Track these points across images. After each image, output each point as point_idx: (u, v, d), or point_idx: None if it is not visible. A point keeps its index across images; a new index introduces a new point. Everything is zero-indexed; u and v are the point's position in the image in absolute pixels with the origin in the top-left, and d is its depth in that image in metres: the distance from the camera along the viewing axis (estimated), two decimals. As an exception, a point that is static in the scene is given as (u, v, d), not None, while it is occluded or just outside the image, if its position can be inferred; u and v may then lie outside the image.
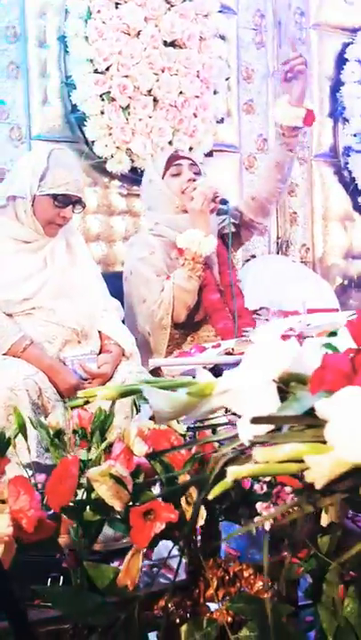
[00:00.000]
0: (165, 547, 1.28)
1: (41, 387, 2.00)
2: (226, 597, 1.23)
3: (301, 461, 0.53)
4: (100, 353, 2.25)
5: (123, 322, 2.43)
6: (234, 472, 0.54)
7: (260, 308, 3.02)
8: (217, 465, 0.62)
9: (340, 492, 0.54)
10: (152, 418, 0.74)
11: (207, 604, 1.24)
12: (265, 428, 0.58)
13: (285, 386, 0.61)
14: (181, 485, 0.82)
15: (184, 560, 1.29)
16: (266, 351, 0.62)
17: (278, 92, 3.70)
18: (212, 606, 1.27)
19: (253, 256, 3.71)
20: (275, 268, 3.63)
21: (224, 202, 2.50)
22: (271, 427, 0.58)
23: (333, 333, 0.71)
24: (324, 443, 0.54)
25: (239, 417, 0.83)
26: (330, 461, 0.52)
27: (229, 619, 1.21)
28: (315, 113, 2.57)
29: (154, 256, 2.52)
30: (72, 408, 1.09)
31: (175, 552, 1.27)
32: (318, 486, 0.52)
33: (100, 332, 2.28)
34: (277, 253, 3.87)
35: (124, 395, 0.77)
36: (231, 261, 2.63)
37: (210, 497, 0.59)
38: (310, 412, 0.56)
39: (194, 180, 2.54)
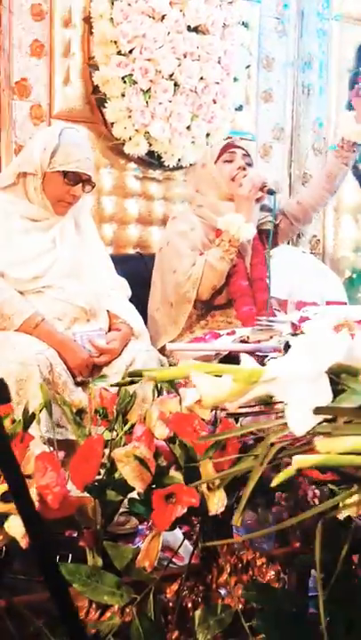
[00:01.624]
0: (169, 533, 1.28)
1: (52, 362, 2.03)
2: (237, 584, 1.24)
3: (362, 453, 0.53)
4: (109, 331, 2.27)
5: (130, 301, 2.45)
6: (300, 461, 0.54)
7: (270, 297, 3.03)
8: (269, 452, 0.62)
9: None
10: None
11: (219, 589, 1.25)
12: (318, 419, 0.58)
13: (336, 377, 0.61)
14: (233, 472, 0.82)
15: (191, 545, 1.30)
16: (318, 342, 0.62)
17: (298, 82, 3.71)
18: (223, 593, 1.28)
19: (264, 246, 3.70)
20: (285, 258, 3.62)
21: (271, 192, 2.55)
22: (320, 418, 0.59)
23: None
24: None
25: (269, 406, 0.83)
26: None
27: (240, 606, 1.22)
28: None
29: (193, 232, 2.58)
30: (115, 386, 1.09)
31: (183, 538, 1.28)
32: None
33: (108, 311, 2.30)
34: (288, 244, 3.86)
35: (173, 377, 0.77)
36: (266, 257, 2.66)
37: (273, 484, 0.60)
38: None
39: (245, 169, 2.59)
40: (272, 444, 0.64)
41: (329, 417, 0.59)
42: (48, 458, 0.97)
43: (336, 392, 0.60)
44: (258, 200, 2.55)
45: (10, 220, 2.23)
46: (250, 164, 2.64)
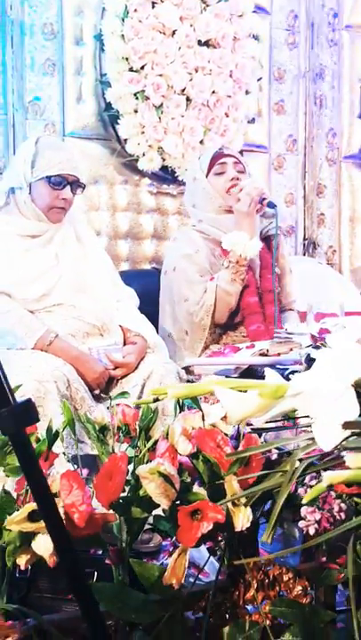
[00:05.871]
0: (194, 550, 1.27)
1: (69, 378, 2.02)
2: (264, 600, 1.22)
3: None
4: (124, 344, 2.27)
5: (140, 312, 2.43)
6: (331, 477, 0.53)
7: (277, 310, 3.01)
8: (297, 469, 0.62)
9: None
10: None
11: (246, 606, 1.24)
12: (345, 433, 0.58)
13: (362, 390, 0.61)
14: (261, 489, 0.81)
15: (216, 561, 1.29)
16: (343, 356, 0.62)
17: (310, 93, 3.72)
18: (250, 609, 1.27)
19: (280, 257, 3.69)
20: (301, 269, 3.61)
21: (272, 205, 2.49)
22: (348, 432, 0.58)
23: None
24: None
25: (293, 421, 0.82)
26: None
27: (268, 622, 1.20)
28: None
29: (198, 254, 2.52)
30: (137, 406, 1.09)
31: (209, 554, 1.27)
32: None
33: (120, 325, 2.29)
34: (304, 255, 3.85)
35: (196, 394, 0.77)
36: (274, 266, 2.61)
37: (305, 501, 0.59)
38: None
39: (238, 179, 2.53)
40: (300, 460, 0.64)
41: (357, 431, 0.59)
42: (73, 476, 0.97)
43: (365, 405, 0.60)
44: (257, 212, 2.49)
45: (9, 241, 2.22)
46: (242, 172, 2.57)
